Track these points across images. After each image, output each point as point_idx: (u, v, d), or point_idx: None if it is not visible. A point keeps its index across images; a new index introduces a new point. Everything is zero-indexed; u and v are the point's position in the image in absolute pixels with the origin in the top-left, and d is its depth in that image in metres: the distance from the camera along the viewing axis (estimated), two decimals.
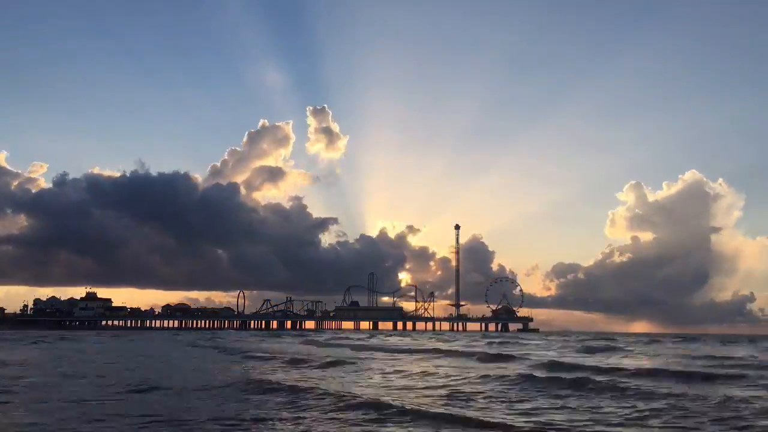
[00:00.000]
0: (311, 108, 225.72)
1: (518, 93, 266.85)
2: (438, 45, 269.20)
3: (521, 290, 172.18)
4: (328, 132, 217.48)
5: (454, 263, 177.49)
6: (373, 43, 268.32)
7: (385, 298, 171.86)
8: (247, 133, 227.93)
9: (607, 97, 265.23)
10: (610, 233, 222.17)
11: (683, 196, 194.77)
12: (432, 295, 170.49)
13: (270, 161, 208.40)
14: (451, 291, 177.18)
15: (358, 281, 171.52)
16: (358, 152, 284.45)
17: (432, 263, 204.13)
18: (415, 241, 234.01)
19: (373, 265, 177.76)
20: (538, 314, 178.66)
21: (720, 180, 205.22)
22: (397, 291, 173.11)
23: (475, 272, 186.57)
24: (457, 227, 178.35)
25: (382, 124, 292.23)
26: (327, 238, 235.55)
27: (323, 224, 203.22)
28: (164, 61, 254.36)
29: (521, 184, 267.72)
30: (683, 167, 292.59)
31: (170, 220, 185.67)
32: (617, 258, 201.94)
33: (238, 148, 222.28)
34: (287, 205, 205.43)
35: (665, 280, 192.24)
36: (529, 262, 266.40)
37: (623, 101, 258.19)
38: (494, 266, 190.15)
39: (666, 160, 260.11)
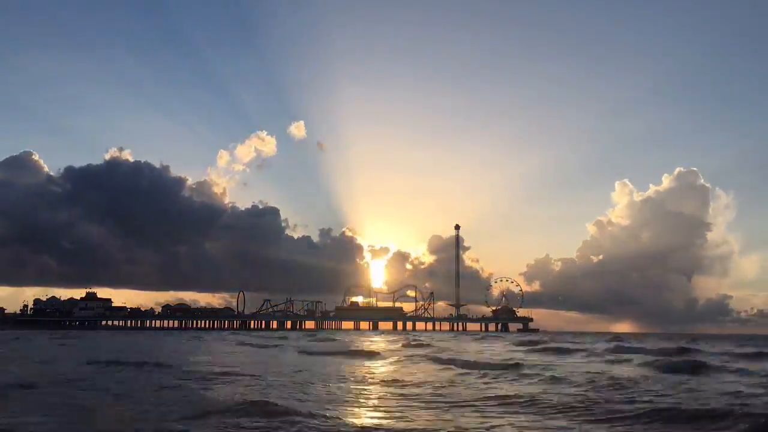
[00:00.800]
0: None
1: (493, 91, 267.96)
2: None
3: (521, 290, 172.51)
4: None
5: (454, 263, 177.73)
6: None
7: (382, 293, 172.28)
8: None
9: (592, 95, 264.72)
10: (592, 230, 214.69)
11: (670, 194, 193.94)
12: (432, 295, 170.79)
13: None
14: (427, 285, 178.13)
15: (331, 282, 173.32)
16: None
17: (408, 264, 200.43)
18: (385, 240, 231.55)
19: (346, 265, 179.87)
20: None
21: (708, 178, 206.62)
22: (397, 291, 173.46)
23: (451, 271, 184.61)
24: (457, 227, 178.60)
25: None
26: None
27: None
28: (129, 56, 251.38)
29: (498, 180, 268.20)
30: (671, 165, 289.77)
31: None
32: (596, 256, 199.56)
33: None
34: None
35: (647, 278, 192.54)
36: (506, 258, 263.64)
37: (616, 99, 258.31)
38: (472, 264, 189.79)
39: (653, 158, 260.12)
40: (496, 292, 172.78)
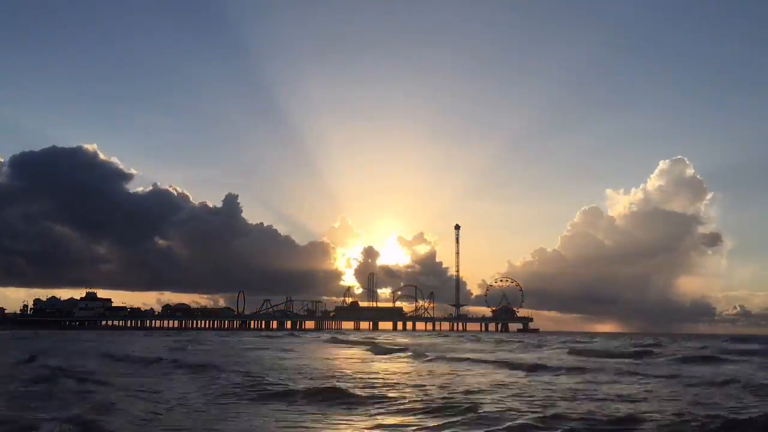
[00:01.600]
0: None
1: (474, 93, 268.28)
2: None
3: (521, 290, 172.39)
4: None
5: (454, 263, 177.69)
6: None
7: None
8: None
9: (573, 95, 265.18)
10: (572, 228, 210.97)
11: (657, 192, 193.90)
12: (431, 295, 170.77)
13: None
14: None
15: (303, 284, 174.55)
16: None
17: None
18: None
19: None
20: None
21: (695, 176, 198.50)
22: (397, 291, 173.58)
23: (425, 275, 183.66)
24: (457, 227, 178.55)
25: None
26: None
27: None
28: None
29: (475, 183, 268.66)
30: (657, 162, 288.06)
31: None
32: (576, 254, 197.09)
33: None
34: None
35: (628, 278, 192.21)
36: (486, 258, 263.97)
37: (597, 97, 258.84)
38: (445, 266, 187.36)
39: (640, 156, 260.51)
40: (496, 292, 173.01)
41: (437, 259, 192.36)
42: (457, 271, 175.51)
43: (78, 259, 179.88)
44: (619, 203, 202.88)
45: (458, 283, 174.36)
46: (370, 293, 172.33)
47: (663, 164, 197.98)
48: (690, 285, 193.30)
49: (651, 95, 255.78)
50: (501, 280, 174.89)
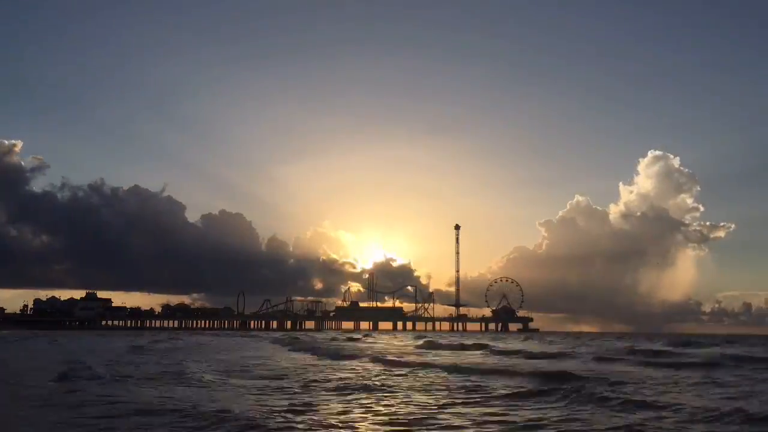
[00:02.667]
0: None
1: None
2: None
3: (522, 290, 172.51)
4: None
5: (454, 264, 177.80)
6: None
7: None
8: None
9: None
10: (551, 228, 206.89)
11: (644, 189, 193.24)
12: (431, 295, 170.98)
13: None
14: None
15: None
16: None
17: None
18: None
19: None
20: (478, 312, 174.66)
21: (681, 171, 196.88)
22: (397, 291, 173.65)
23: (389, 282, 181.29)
24: (457, 227, 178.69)
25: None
26: None
27: None
28: None
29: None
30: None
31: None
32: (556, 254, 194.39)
33: None
34: None
35: (611, 277, 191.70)
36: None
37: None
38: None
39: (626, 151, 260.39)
40: (496, 292, 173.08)
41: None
42: (458, 271, 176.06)
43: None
44: (605, 200, 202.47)
45: (458, 283, 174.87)
46: (370, 293, 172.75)
47: (647, 160, 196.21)
48: (673, 283, 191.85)
49: (635, 89, 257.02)
50: (501, 280, 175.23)
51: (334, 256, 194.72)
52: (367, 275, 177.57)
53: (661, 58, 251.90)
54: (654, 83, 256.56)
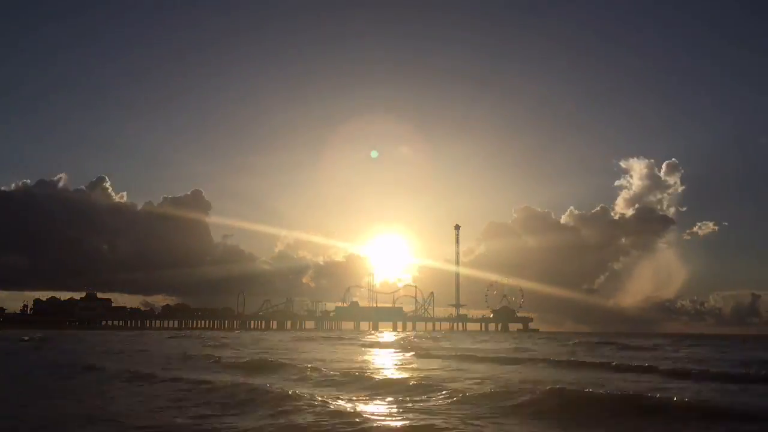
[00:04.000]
0: None
1: None
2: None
3: (521, 290, 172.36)
4: None
5: (454, 263, 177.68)
6: None
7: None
8: None
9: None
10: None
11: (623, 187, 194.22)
12: (431, 295, 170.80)
13: None
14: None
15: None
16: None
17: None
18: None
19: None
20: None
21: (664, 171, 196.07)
22: (397, 291, 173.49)
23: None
24: (457, 227, 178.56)
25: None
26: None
27: None
28: None
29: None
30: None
31: None
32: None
33: None
34: None
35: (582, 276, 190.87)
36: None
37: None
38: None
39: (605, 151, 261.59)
40: (495, 293, 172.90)
41: None
42: (457, 272, 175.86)
43: None
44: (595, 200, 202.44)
45: (458, 283, 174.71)
46: (371, 293, 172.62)
47: (633, 160, 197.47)
48: (658, 282, 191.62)
49: (619, 89, 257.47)
50: (501, 280, 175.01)
51: (334, 257, 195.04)
52: (367, 275, 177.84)
53: (643, 58, 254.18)
54: (640, 83, 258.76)
